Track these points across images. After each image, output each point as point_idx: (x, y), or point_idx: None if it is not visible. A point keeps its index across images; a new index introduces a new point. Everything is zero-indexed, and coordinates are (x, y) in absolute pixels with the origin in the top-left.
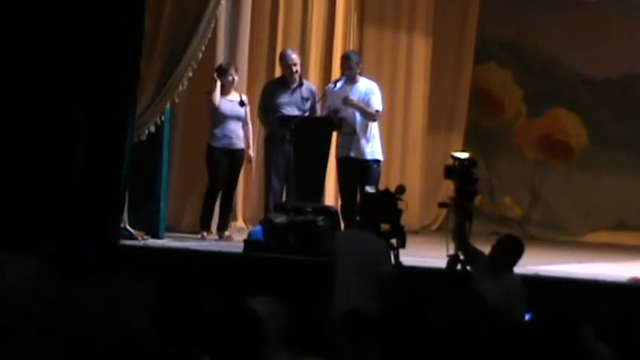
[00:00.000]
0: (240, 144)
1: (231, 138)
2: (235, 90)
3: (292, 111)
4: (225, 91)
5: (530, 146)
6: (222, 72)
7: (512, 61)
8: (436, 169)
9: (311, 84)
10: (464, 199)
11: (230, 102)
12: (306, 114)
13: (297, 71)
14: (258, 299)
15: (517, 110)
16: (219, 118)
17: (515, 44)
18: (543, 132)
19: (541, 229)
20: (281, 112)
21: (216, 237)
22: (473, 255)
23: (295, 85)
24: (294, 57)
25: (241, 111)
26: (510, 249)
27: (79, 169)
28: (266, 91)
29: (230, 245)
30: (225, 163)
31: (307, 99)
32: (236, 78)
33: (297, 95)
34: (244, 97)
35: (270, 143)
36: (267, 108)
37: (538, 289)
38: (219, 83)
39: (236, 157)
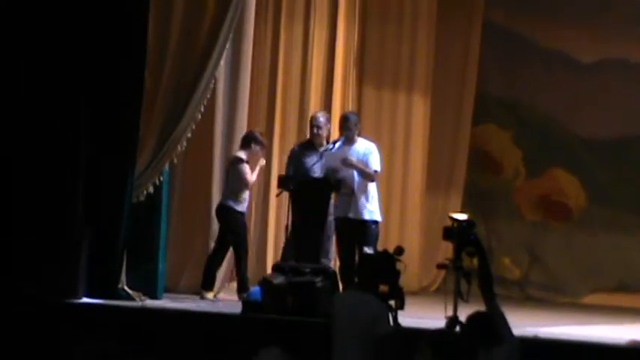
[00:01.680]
0: None
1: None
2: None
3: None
4: (253, 158)
5: (529, 207)
6: (255, 140)
7: (511, 121)
8: (435, 230)
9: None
10: (462, 260)
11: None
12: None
13: (319, 133)
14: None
15: (516, 170)
16: (247, 184)
17: (514, 105)
18: (542, 192)
19: (540, 290)
20: (309, 175)
21: (214, 298)
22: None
23: (324, 148)
24: (321, 119)
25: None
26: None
27: (78, 228)
28: (293, 154)
29: (228, 306)
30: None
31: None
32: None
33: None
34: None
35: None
36: (295, 172)
37: (537, 351)
38: (261, 162)
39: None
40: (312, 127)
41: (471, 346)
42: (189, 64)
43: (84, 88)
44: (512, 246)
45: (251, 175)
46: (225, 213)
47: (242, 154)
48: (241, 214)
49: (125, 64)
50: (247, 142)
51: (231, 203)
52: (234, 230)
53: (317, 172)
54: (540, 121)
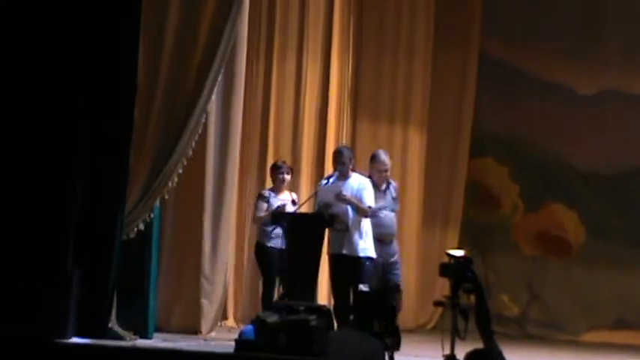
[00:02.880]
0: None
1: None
2: (286, 189)
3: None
4: (277, 190)
5: (527, 242)
6: (276, 169)
7: (509, 155)
8: (432, 266)
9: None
10: (459, 297)
11: (282, 201)
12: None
13: (386, 175)
14: None
15: (514, 205)
16: (254, 220)
17: (511, 138)
18: (541, 227)
19: (539, 327)
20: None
21: (208, 337)
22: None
23: (384, 186)
24: (385, 160)
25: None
26: None
27: (67, 267)
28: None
29: (221, 345)
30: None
31: (396, 198)
32: (287, 177)
33: (388, 197)
34: (295, 196)
35: None
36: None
37: None
38: (292, 196)
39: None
40: (378, 170)
41: None
42: (181, 98)
43: (74, 125)
44: (511, 282)
45: (262, 211)
46: (255, 248)
47: (266, 189)
48: (269, 248)
49: (114, 99)
50: (271, 172)
51: (259, 239)
52: (260, 265)
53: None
54: (538, 154)
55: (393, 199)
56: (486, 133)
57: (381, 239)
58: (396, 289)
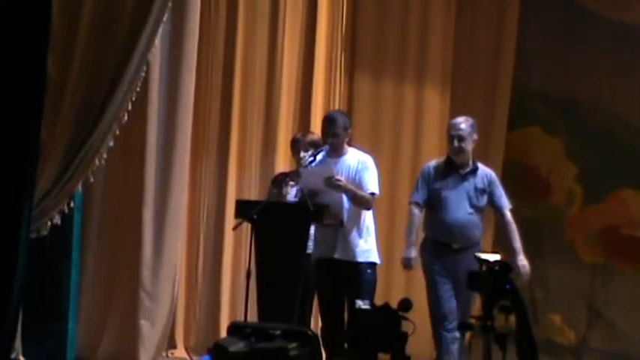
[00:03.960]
0: None
1: None
2: None
3: (462, 209)
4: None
5: (587, 244)
6: (292, 145)
7: (563, 125)
8: None
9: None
10: (494, 318)
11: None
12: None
13: (461, 149)
14: None
15: (569, 193)
16: None
17: (566, 103)
18: (606, 224)
19: (603, 359)
20: (448, 216)
21: None
22: None
23: (468, 169)
24: (464, 125)
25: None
26: None
27: None
28: (424, 176)
29: None
30: None
31: (483, 191)
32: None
33: (469, 188)
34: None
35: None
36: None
37: None
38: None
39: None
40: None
41: None
42: (110, 45)
43: None
44: (565, 298)
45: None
46: None
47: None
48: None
49: (19, 43)
50: (292, 149)
51: None
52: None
53: (454, 207)
54: (602, 124)
55: (478, 190)
56: (532, 94)
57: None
58: (406, 306)
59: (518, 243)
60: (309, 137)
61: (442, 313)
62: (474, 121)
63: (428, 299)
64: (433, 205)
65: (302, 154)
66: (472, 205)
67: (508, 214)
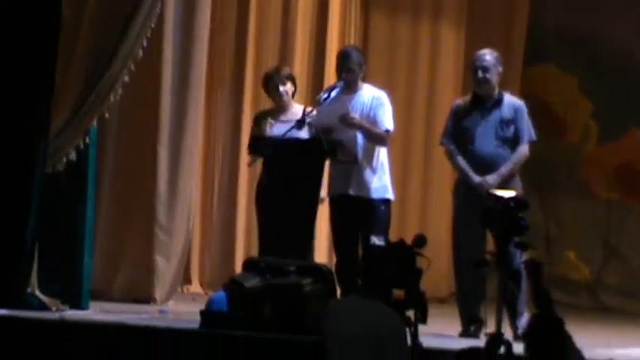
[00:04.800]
0: None
1: None
2: (292, 103)
3: (488, 142)
4: (278, 109)
5: (602, 181)
6: (268, 81)
7: (579, 62)
8: None
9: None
10: (509, 254)
11: (284, 123)
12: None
13: (486, 79)
14: None
15: (585, 130)
16: None
17: (582, 39)
18: (621, 161)
19: (618, 296)
20: (475, 150)
21: (164, 308)
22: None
23: (492, 101)
24: (488, 57)
25: (300, 135)
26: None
27: None
28: (453, 114)
29: (181, 319)
30: None
31: (510, 122)
32: (287, 89)
33: (494, 119)
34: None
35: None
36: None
37: None
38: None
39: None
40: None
41: None
42: None
43: None
44: (580, 235)
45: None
46: (257, 192)
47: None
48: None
49: None
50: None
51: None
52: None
53: (481, 140)
54: (620, 62)
55: (504, 122)
56: (548, 31)
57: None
58: (421, 242)
59: (504, 169)
60: (285, 71)
61: (460, 259)
62: (498, 54)
63: (452, 240)
64: (461, 142)
65: (281, 88)
66: (498, 137)
67: (522, 147)
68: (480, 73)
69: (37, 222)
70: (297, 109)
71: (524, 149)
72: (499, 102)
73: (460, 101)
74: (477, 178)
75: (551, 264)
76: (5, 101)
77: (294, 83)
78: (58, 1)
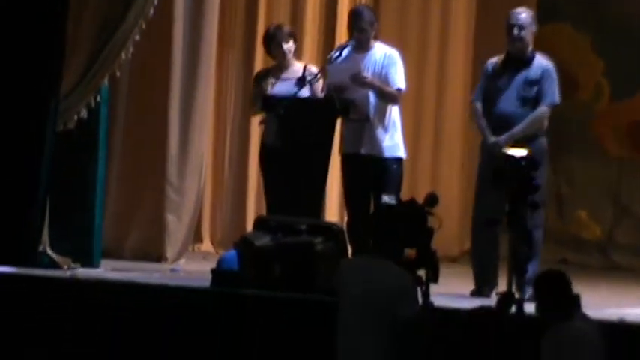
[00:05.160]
0: None
1: None
2: (294, 61)
3: (509, 102)
4: (279, 67)
5: (614, 139)
6: (270, 39)
7: (591, 21)
8: None
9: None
10: (520, 214)
11: (285, 81)
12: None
13: (520, 38)
14: None
15: (596, 88)
16: None
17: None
18: (633, 119)
19: (629, 255)
20: (496, 109)
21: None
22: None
23: (522, 60)
24: (524, 15)
25: (302, 93)
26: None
27: None
28: (484, 73)
29: (191, 277)
30: None
31: (535, 82)
32: (289, 46)
33: (519, 79)
34: (313, 69)
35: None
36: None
37: (624, 340)
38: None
39: None
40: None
41: (544, 319)
42: None
43: None
44: (591, 194)
45: (258, 100)
46: (260, 153)
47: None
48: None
49: None
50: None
51: (264, 139)
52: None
53: (504, 104)
54: (631, 20)
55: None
56: None
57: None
58: (432, 201)
59: (517, 129)
60: (287, 28)
61: (477, 218)
62: (533, 12)
63: (474, 198)
64: (487, 101)
65: (284, 46)
66: (520, 97)
67: (541, 108)
68: (515, 31)
69: (49, 180)
70: (298, 67)
71: (542, 110)
72: (529, 62)
73: (494, 59)
74: (491, 139)
75: (563, 223)
76: (16, 58)
77: (295, 41)
78: None
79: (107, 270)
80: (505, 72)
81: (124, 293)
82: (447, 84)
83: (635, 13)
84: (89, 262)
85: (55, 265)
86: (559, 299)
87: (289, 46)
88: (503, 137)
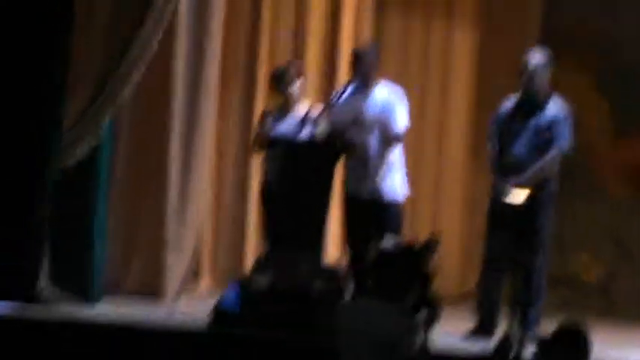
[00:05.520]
0: None
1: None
2: (300, 101)
3: (521, 147)
4: (285, 107)
5: (617, 180)
6: (277, 80)
7: (595, 57)
8: (483, 209)
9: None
10: (522, 253)
11: (289, 121)
12: None
13: (531, 82)
14: None
15: (600, 128)
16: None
17: (599, 33)
18: (636, 159)
19: (631, 297)
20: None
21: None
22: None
23: (536, 104)
24: (537, 57)
25: (303, 134)
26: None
27: None
28: (497, 115)
29: (191, 316)
30: None
31: (548, 128)
32: (297, 87)
33: (532, 125)
34: (316, 109)
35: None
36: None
37: None
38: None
39: None
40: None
41: None
42: None
43: None
44: (593, 236)
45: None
46: (261, 190)
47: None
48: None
49: None
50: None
51: (266, 177)
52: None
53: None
54: (634, 60)
55: (539, 130)
56: (563, 26)
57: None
58: (432, 246)
59: (528, 174)
60: (294, 69)
61: (486, 255)
62: (548, 56)
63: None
64: (501, 144)
65: (291, 88)
66: (532, 143)
67: (551, 152)
68: (526, 75)
69: (49, 216)
70: (303, 107)
71: (551, 156)
72: (542, 106)
73: (508, 101)
74: (498, 183)
75: (564, 265)
76: (18, 94)
77: (303, 80)
78: None
79: (106, 307)
80: (518, 115)
81: (123, 332)
82: (449, 120)
83: (638, 52)
84: (89, 297)
85: (54, 300)
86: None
87: (297, 85)
88: (511, 181)
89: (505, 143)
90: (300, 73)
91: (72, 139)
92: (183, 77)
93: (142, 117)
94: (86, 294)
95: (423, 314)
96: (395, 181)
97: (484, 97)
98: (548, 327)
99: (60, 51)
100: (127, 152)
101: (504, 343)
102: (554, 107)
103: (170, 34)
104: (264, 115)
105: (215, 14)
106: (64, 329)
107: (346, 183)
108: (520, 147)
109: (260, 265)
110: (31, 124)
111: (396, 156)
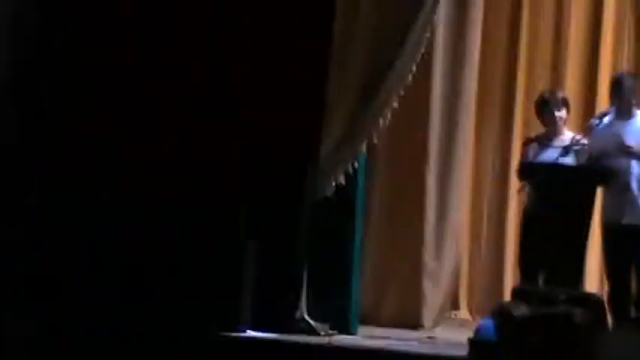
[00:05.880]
0: None
1: None
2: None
3: None
4: (549, 133)
5: None
6: (542, 105)
7: None
8: None
9: None
10: None
11: (551, 149)
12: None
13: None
14: None
15: None
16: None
17: None
18: None
19: None
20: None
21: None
22: None
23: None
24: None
25: (565, 161)
26: None
27: (237, 241)
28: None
29: (449, 346)
30: None
31: None
32: (562, 115)
33: None
34: (580, 139)
35: None
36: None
37: None
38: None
39: None
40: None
41: None
42: (396, 6)
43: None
44: None
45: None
46: (523, 218)
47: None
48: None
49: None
50: (536, 111)
51: (529, 205)
52: None
53: None
54: None
55: None
56: None
57: None
58: None
59: None
60: (561, 94)
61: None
62: None
63: None
64: None
65: (557, 113)
66: None
67: None
68: None
69: (307, 247)
70: (566, 136)
71: None
72: None
73: None
74: None
75: None
76: (276, 122)
77: (568, 108)
78: (329, 22)
79: (363, 337)
80: None
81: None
82: None
83: None
84: (346, 328)
85: (312, 331)
86: None
87: (561, 113)
88: None
89: None
90: (565, 101)
91: (328, 169)
92: (440, 109)
93: (398, 149)
94: (343, 324)
95: None
96: None
97: None
98: None
99: (317, 80)
100: (381, 180)
101: None
102: None
103: (426, 62)
104: (526, 143)
105: (471, 45)
106: (322, 354)
107: (605, 210)
108: None
109: (518, 293)
110: (288, 152)
111: None
